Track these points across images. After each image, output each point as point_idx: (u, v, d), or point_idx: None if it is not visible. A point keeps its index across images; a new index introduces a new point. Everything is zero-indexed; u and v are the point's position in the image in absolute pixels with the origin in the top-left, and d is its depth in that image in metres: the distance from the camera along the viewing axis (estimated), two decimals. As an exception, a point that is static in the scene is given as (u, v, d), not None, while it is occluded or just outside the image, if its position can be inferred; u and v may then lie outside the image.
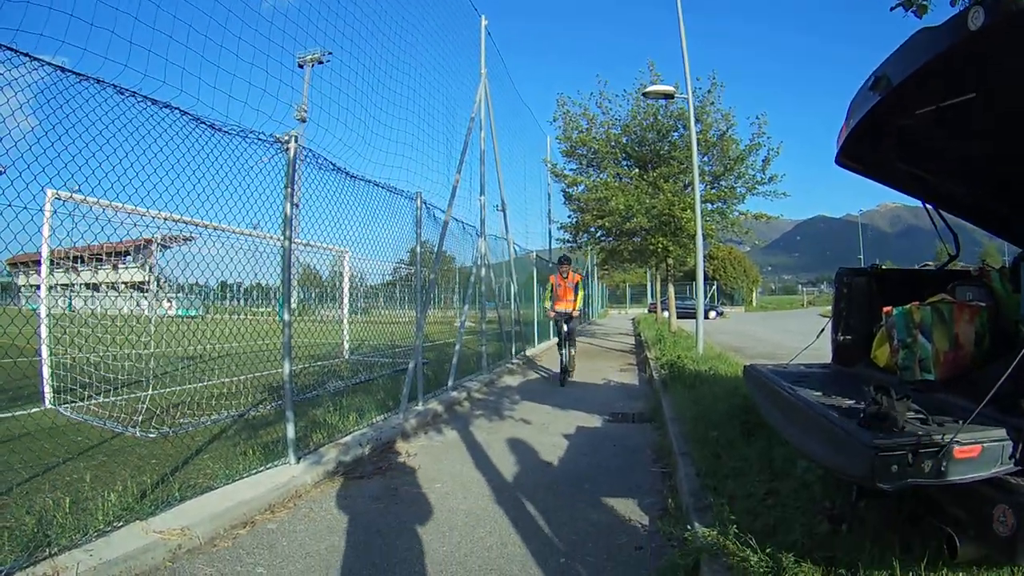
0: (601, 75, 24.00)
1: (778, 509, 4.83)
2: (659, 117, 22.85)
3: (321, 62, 28.40)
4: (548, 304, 16.43)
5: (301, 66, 30.47)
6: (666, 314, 29.98)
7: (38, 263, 10.15)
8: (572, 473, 7.51)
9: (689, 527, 5.01)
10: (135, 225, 8.07)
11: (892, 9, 4.32)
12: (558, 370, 15.78)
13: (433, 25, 12.70)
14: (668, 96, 18.64)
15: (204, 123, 6.79)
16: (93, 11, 5.08)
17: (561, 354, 15.62)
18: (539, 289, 23.80)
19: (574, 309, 15.90)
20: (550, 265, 26.12)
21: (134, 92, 6.00)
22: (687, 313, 28.78)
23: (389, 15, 10.15)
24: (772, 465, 5.95)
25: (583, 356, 22.24)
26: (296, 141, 7.44)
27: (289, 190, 7.36)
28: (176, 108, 6.41)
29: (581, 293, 16.27)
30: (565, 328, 15.57)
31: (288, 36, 7.47)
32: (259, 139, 7.27)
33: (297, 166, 7.53)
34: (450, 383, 13.14)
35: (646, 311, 64.99)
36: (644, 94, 19.10)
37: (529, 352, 21.83)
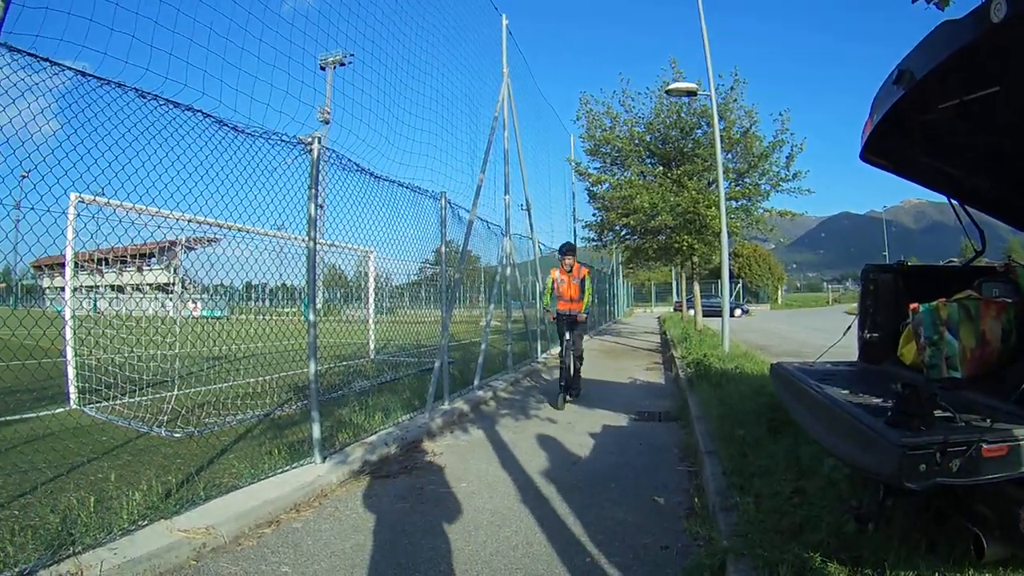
0: (623, 73, 23.96)
1: (805, 508, 4.79)
2: (682, 115, 22.68)
3: (343, 64, 28.44)
4: (548, 303, 13.23)
5: (323, 68, 30.62)
6: (691, 312, 29.90)
7: (62, 266, 10.24)
8: (598, 472, 7.49)
9: (715, 526, 5.01)
10: (159, 227, 8.13)
11: (914, 1, 4.30)
12: (562, 382, 12.25)
13: (453, 25, 12.71)
14: (691, 93, 18.56)
15: (227, 125, 6.81)
16: (112, 15, 5.10)
17: (562, 366, 12.26)
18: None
19: (581, 310, 12.57)
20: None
21: (156, 95, 6.02)
22: (713, 311, 28.65)
23: (409, 15, 10.17)
24: (799, 463, 5.93)
25: (608, 355, 22.26)
26: (319, 142, 7.47)
27: (313, 191, 7.39)
28: (198, 111, 6.42)
29: (590, 290, 13.15)
30: (569, 335, 12.46)
31: (309, 38, 7.49)
32: (282, 140, 7.29)
33: (321, 167, 7.57)
34: (476, 382, 13.19)
35: (672, 310, 64.81)
36: (667, 92, 19.04)
37: (554, 351, 21.51)
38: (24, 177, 5.28)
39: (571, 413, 11.27)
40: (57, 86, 5.40)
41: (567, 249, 13.02)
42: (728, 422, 7.99)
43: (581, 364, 13.17)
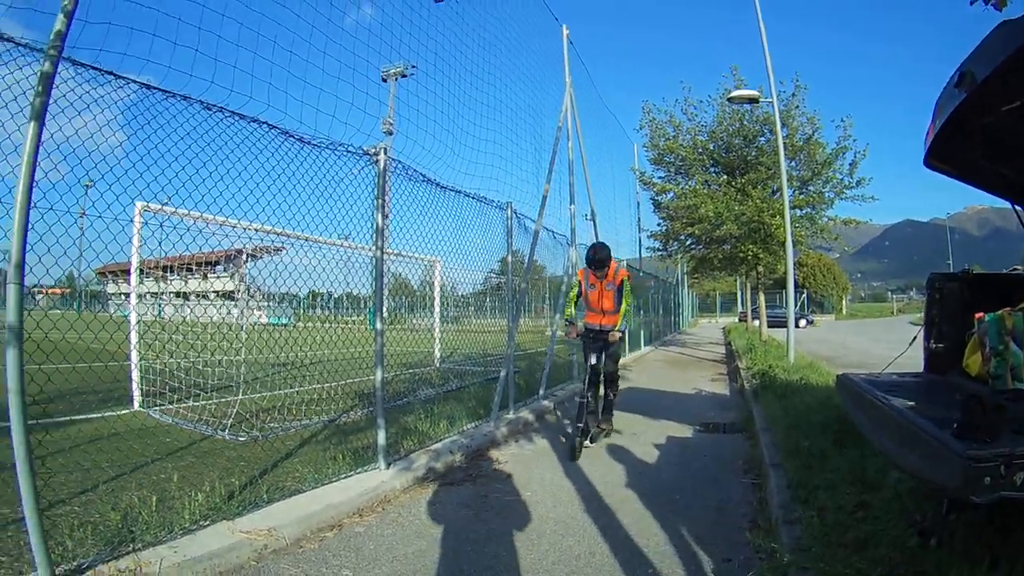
0: (684, 82, 23.93)
1: (869, 522, 4.74)
2: (745, 122, 22.66)
3: (404, 75, 28.65)
4: (571, 313, 10.31)
5: (385, 80, 30.83)
6: (756, 323, 29.64)
7: (126, 272, 10.48)
8: (662, 483, 7.48)
9: (778, 540, 4.99)
10: (226, 236, 8.32)
11: (972, 3, 4.26)
12: (580, 423, 8.98)
13: (515, 35, 12.75)
14: (753, 101, 18.56)
15: (293, 136, 6.94)
16: (176, 31, 5.22)
17: (582, 400, 9.10)
18: (631, 298, 23.19)
19: (616, 326, 9.60)
20: (639, 274, 25.74)
21: (221, 108, 6.16)
22: (777, 321, 28.38)
23: (469, 26, 10.25)
24: (864, 477, 5.84)
25: (673, 365, 22.14)
26: (385, 153, 7.57)
27: (380, 201, 7.51)
28: (264, 122, 6.54)
29: (629, 300, 10.01)
30: (594, 358, 9.48)
31: (373, 50, 7.57)
32: (348, 151, 7.41)
33: (387, 177, 7.67)
34: (541, 392, 13.17)
35: (736, 320, 64.28)
36: (729, 99, 19.17)
37: (620, 361, 21.58)
38: (89, 187, 5.45)
39: (637, 424, 11.19)
40: (122, 99, 5.56)
41: (599, 250, 9.76)
42: (793, 434, 7.89)
43: (615, 396, 10.47)
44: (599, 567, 5.10)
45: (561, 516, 6.34)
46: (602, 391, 10.28)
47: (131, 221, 8.62)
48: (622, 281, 9.87)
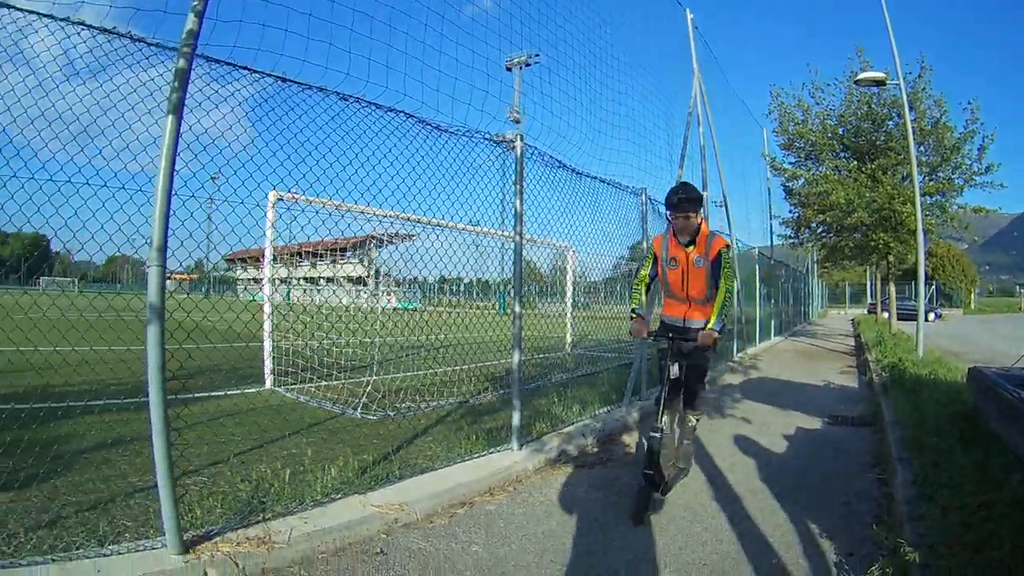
0: (811, 64, 23.55)
1: (991, 522, 4.73)
2: (872, 105, 22.11)
3: (528, 64, 28.77)
4: (640, 301, 6.94)
5: (509, 69, 30.98)
6: (885, 315, 28.98)
7: (254, 258, 10.99)
8: (789, 474, 7.51)
9: (902, 536, 4.98)
10: (355, 220, 8.66)
11: None
12: (649, 471, 5.94)
13: (640, 19, 12.79)
14: (879, 83, 18.26)
15: (430, 124, 7.23)
16: (307, 25, 5.54)
17: (651, 437, 6.03)
18: (762, 287, 22.99)
19: (710, 323, 6.41)
20: (770, 261, 25.55)
21: (358, 98, 6.51)
22: (906, 314, 27.72)
23: (592, 12, 10.43)
24: (988, 475, 5.80)
25: (803, 356, 21.98)
26: (521, 140, 7.81)
27: (519, 187, 7.77)
28: (400, 111, 6.87)
29: (730, 284, 6.47)
30: (676, 369, 6.40)
31: (504, 39, 7.88)
32: (485, 139, 7.68)
33: (524, 164, 7.88)
34: (673, 379, 13.09)
35: (865, 311, 62.48)
36: (856, 82, 18.84)
37: (750, 351, 21.61)
38: (214, 177, 5.84)
39: (765, 414, 11.17)
40: (258, 92, 5.98)
41: (683, 197, 6.35)
42: (921, 429, 7.81)
43: (697, 422, 7.20)
44: (725, 555, 5.20)
45: (689, 502, 6.45)
46: (678, 442, 7.01)
47: (258, 206, 8.96)
48: (719, 254, 6.36)
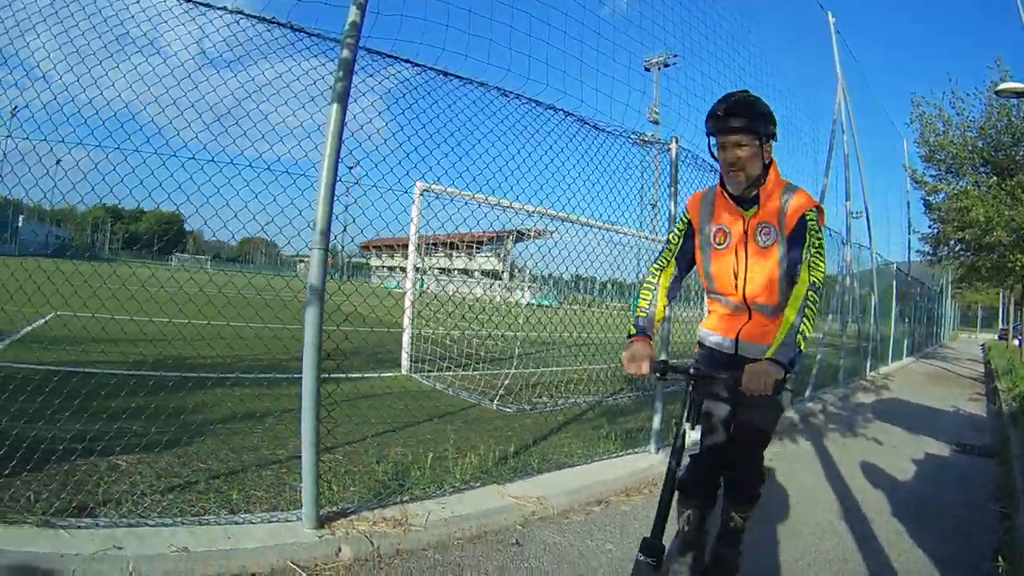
0: (951, 73, 22.53)
1: None
2: (1013, 118, 20.91)
3: (667, 65, 28.67)
4: (648, 305, 3.83)
5: (647, 69, 30.84)
6: (1016, 342, 27.81)
7: (389, 247, 11.15)
8: (915, 500, 7.30)
9: (1019, 573, 4.86)
10: (492, 210, 8.65)
11: None
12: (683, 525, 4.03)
13: (784, 20, 12.56)
14: (1021, 95, 17.27)
15: (588, 123, 7.22)
16: (468, 22, 5.54)
17: (682, 520, 3.99)
18: (898, 304, 22.27)
19: (772, 345, 3.23)
20: (907, 278, 24.70)
21: (519, 95, 6.51)
22: (1040, 342, 26.59)
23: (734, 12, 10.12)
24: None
25: (933, 380, 21.37)
26: (677, 142, 7.75)
27: (673, 188, 7.69)
28: (560, 109, 6.87)
29: (819, 273, 3.40)
30: (719, 429, 3.94)
31: (647, 37, 7.68)
32: (642, 140, 7.66)
33: (678, 166, 7.81)
34: (807, 394, 13.03)
35: (996, 337, 60.11)
36: (996, 92, 17.76)
37: (882, 370, 21.11)
38: (352, 168, 5.82)
39: (895, 436, 10.88)
40: (420, 85, 6.04)
41: (731, 106, 3.53)
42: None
43: (736, 552, 4.27)
44: (851, 574, 5.14)
45: (818, 519, 6.35)
46: (725, 538, 4.27)
47: (408, 194, 9.24)
48: (801, 220, 3.57)
